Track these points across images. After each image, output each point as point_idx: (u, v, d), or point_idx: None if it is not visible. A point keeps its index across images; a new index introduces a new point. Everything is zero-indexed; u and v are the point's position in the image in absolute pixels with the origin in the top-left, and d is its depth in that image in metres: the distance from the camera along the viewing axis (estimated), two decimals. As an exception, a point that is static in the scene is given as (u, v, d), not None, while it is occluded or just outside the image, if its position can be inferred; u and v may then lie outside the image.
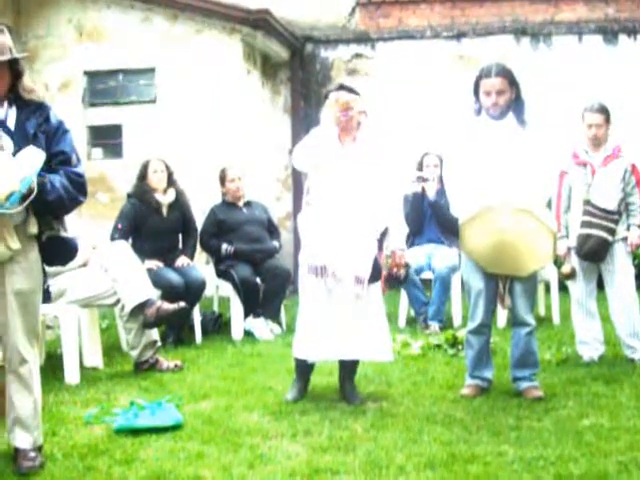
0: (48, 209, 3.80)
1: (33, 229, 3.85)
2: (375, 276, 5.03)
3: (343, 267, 4.95)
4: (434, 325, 7.44)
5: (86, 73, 10.22)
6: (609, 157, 6.04)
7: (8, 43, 3.84)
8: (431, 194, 7.74)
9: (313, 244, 5.06)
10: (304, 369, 5.21)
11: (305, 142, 5.11)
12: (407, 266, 5.58)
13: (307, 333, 5.04)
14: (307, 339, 5.04)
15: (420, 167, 7.93)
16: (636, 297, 6.06)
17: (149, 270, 6.55)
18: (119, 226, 7.06)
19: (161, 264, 6.99)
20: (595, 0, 10.99)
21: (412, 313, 8.03)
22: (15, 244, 3.81)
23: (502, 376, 5.44)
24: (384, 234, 5.22)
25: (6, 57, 3.81)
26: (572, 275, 6.11)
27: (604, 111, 6.07)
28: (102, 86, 10.30)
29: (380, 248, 5.19)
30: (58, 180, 3.77)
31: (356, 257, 4.97)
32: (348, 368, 5.16)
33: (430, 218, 7.84)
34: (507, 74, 5.07)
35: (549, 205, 6.33)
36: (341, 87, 5.19)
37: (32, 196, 3.65)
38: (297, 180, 11.24)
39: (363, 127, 5.18)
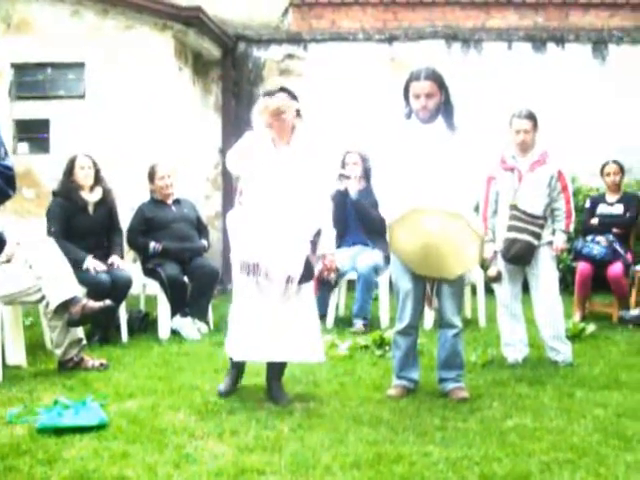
0: None
1: None
2: (307, 276, 5.03)
3: (275, 266, 4.95)
4: (358, 323, 7.47)
5: (13, 66, 10.02)
6: (536, 163, 6.14)
7: None
8: (353, 192, 7.75)
9: (246, 242, 5.05)
10: (237, 362, 5.24)
11: (238, 146, 5.10)
12: (337, 270, 5.59)
13: (237, 332, 5.05)
14: (236, 338, 5.05)
15: (343, 165, 7.95)
16: (560, 300, 6.18)
17: (75, 267, 6.44)
18: (52, 229, 6.90)
19: (104, 267, 6.88)
20: (525, 8, 11.19)
21: (340, 313, 8.07)
22: None
23: (428, 377, 5.49)
24: (317, 235, 5.23)
25: None
26: (498, 278, 6.20)
27: (532, 117, 6.17)
28: (30, 79, 10.11)
29: (314, 250, 5.20)
30: None
31: (288, 256, 4.97)
32: (276, 368, 5.16)
33: (354, 219, 7.82)
34: (436, 78, 5.10)
35: (477, 209, 6.42)
36: (277, 90, 5.17)
37: None
38: (227, 179, 11.19)
39: (297, 129, 5.18)
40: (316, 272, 5.29)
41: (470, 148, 5.14)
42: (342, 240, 7.76)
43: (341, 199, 7.75)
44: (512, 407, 4.91)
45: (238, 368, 5.28)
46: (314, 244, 5.17)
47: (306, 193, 5.08)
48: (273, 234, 4.99)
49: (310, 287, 5.17)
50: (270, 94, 5.14)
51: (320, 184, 5.20)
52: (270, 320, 4.96)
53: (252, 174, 5.10)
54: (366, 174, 7.82)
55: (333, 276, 5.46)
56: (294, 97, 5.16)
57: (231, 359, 5.25)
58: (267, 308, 4.97)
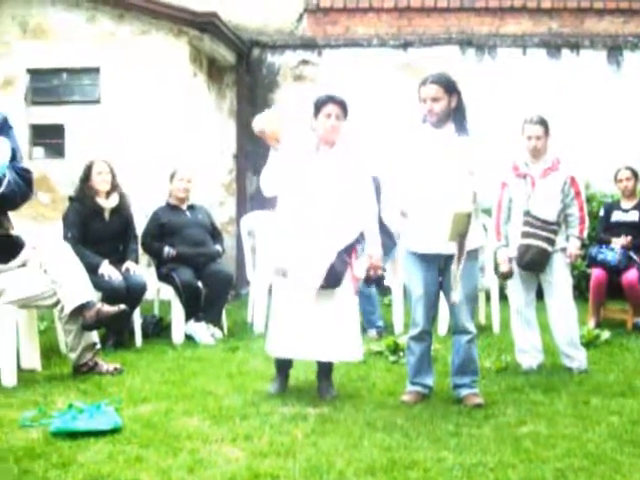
0: (1, 204, 3.70)
1: None
2: (333, 282, 5.15)
3: (302, 271, 5.14)
4: (372, 331, 7.47)
5: (29, 71, 10.08)
6: (549, 169, 6.13)
7: None
8: None
9: (278, 248, 5.32)
10: (282, 363, 5.45)
11: (271, 168, 5.33)
12: (383, 269, 5.70)
13: (275, 330, 5.32)
14: (274, 336, 5.32)
15: None
16: (574, 307, 6.16)
17: (90, 272, 6.45)
18: (69, 235, 6.91)
19: (119, 276, 6.90)
20: (540, 14, 11.16)
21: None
22: None
23: (443, 383, 5.48)
24: (360, 240, 5.35)
25: None
26: (509, 275, 6.19)
27: (543, 123, 6.16)
28: (45, 85, 10.16)
29: (349, 254, 5.28)
30: (9, 174, 3.69)
31: (313, 263, 5.12)
32: (323, 367, 5.37)
33: None
34: (443, 82, 5.11)
35: (490, 215, 6.42)
36: (331, 99, 5.33)
37: (3, 186, 3.55)
38: (241, 185, 11.21)
39: (341, 134, 5.36)
40: (361, 272, 5.42)
41: (481, 153, 5.11)
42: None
43: None
44: (526, 414, 4.89)
45: (284, 372, 5.47)
46: (353, 248, 5.30)
47: (345, 197, 5.26)
48: (304, 239, 5.18)
49: (350, 288, 5.32)
50: (320, 103, 5.33)
51: (363, 187, 5.34)
52: (305, 320, 5.16)
53: (290, 180, 5.27)
54: None
55: (380, 272, 5.60)
56: (344, 107, 5.33)
57: (276, 363, 5.49)
58: (302, 309, 5.17)
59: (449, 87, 5.11)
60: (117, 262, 7.09)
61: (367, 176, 5.42)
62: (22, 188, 3.74)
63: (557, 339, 6.14)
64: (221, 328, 7.55)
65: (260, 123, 5.35)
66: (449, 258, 5.03)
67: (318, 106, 5.32)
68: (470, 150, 5.08)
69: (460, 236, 4.91)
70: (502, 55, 11.00)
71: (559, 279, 6.10)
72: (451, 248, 4.97)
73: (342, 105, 5.32)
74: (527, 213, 6.08)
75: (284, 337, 5.25)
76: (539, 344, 6.20)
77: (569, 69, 10.87)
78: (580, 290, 8.56)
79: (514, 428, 4.60)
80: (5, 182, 3.59)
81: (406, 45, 11.09)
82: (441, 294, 5.29)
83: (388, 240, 6.71)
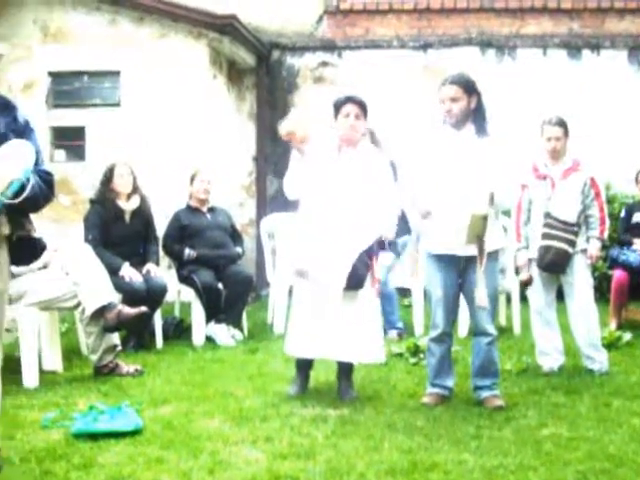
0: (24, 206, 3.72)
1: (5, 230, 3.79)
2: (355, 284, 5.14)
3: (322, 273, 5.13)
4: (392, 332, 7.44)
5: (50, 74, 10.13)
6: (569, 170, 6.10)
7: None
8: None
9: (298, 249, 5.34)
10: (302, 364, 5.45)
11: (292, 171, 5.40)
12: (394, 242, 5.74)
13: (294, 331, 5.34)
14: (294, 336, 5.34)
15: None
16: (595, 308, 6.13)
17: (111, 274, 6.48)
18: (90, 237, 6.95)
19: (140, 277, 6.93)
20: (560, 15, 11.10)
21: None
22: None
23: (463, 385, 5.47)
24: (379, 244, 5.39)
25: None
26: (529, 283, 6.18)
27: (562, 124, 6.13)
28: (66, 87, 10.20)
29: (370, 256, 5.28)
30: (32, 178, 3.72)
31: (335, 264, 5.11)
32: (344, 367, 5.36)
33: None
34: (462, 82, 5.08)
35: (509, 216, 6.39)
36: (349, 99, 5.36)
37: (27, 190, 3.58)
38: (261, 187, 11.22)
39: (364, 136, 5.45)
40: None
41: (500, 154, 5.09)
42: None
43: None
44: (547, 416, 4.87)
45: (304, 373, 5.47)
46: (373, 251, 5.30)
47: (367, 198, 5.25)
48: (325, 241, 5.17)
49: (372, 290, 5.31)
50: (339, 103, 5.34)
51: (384, 187, 5.33)
52: (326, 321, 5.16)
53: (313, 181, 5.30)
54: None
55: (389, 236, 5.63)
56: (363, 107, 5.33)
57: (296, 364, 5.49)
58: (323, 309, 5.17)
59: (468, 87, 5.09)
60: (138, 264, 7.12)
61: (389, 175, 5.41)
62: (44, 191, 3.76)
63: (578, 341, 6.11)
64: (241, 330, 7.56)
65: (289, 125, 5.37)
66: (469, 260, 5.03)
67: (337, 106, 5.34)
68: (489, 152, 5.06)
69: (478, 238, 4.90)
70: (522, 56, 10.94)
71: (580, 280, 6.08)
72: (470, 250, 4.96)
73: (361, 105, 5.33)
74: (547, 215, 6.06)
75: (304, 337, 5.26)
76: (560, 345, 6.17)
77: (590, 70, 10.80)
78: (601, 291, 8.52)
79: (535, 430, 4.59)
80: (29, 186, 3.61)
81: (426, 46, 11.06)
82: (461, 296, 5.28)
83: (402, 223, 6.73)
